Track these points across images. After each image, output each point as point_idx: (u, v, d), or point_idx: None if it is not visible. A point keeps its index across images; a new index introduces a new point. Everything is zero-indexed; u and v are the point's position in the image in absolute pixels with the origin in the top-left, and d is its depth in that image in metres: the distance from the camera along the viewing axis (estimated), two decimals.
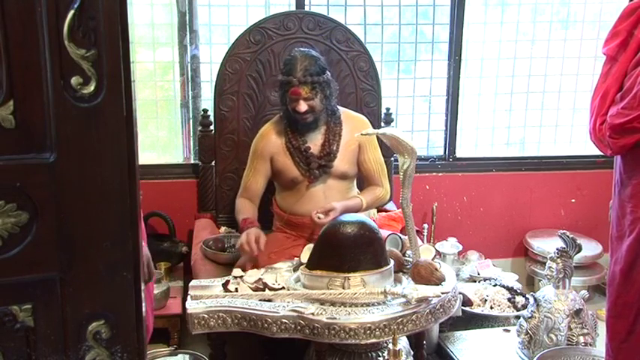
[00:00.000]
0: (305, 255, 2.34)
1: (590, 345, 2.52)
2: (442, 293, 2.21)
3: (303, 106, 2.57)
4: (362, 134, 2.41)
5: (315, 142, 2.70)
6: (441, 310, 2.20)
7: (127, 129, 1.02)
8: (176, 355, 2.57)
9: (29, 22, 0.93)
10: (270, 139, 2.73)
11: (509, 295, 3.07)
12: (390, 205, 3.20)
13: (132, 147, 1.04)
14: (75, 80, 0.97)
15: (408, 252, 2.41)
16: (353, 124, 2.76)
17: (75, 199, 1.01)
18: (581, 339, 2.51)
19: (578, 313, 2.53)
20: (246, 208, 2.72)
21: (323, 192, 2.70)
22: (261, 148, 2.74)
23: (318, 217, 2.51)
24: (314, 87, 2.57)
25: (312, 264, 2.23)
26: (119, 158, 1.03)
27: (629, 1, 2.02)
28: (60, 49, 0.95)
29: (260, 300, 2.18)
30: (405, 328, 2.10)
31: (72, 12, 0.93)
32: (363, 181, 2.82)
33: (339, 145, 2.70)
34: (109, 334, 1.07)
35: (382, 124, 3.21)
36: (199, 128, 3.15)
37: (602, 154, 2.06)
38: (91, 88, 0.98)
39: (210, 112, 3.12)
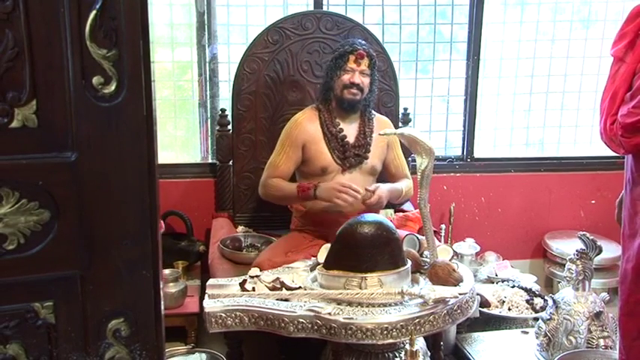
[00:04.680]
0: (322, 255, 2.34)
1: (611, 348, 2.49)
2: (460, 294, 2.20)
3: (357, 78, 2.66)
4: (380, 134, 2.43)
5: (349, 132, 2.76)
6: (459, 311, 2.19)
7: (147, 128, 1.03)
8: (193, 353, 2.58)
9: (52, 23, 0.94)
10: (304, 127, 2.74)
11: (528, 297, 3.04)
12: (408, 206, 3.19)
13: (151, 146, 1.04)
14: (96, 80, 0.98)
15: (426, 252, 2.40)
16: (383, 124, 2.85)
17: (96, 197, 1.02)
18: (602, 342, 2.48)
19: (598, 315, 2.50)
20: (286, 183, 2.71)
21: None
22: (295, 136, 2.73)
23: (367, 194, 2.54)
24: (372, 64, 2.71)
25: (330, 264, 2.23)
26: (139, 157, 1.03)
27: None
28: (82, 50, 0.96)
29: (277, 299, 2.18)
30: (423, 329, 2.09)
31: (94, 12, 0.94)
32: (389, 177, 2.85)
33: (372, 139, 2.77)
34: (128, 332, 1.08)
35: (400, 124, 3.20)
36: (217, 128, 3.16)
37: (621, 155, 2.06)
38: (112, 87, 0.99)
39: (228, 112, 3.14)
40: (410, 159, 3.15)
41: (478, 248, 3.39)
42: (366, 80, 2.70)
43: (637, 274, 1.96)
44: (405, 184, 2.80)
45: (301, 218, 2.81)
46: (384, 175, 2.85)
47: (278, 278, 2.28)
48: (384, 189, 2.62)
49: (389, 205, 3.13)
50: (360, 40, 2.80)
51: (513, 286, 3.13)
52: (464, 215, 3.59)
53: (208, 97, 3.40)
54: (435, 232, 2.56)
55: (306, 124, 2.75)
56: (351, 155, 2.71)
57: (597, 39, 3.66)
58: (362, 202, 2.55)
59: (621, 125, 1.89)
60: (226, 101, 3.31)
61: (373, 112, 2.86)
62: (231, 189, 3.17)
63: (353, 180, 2.69)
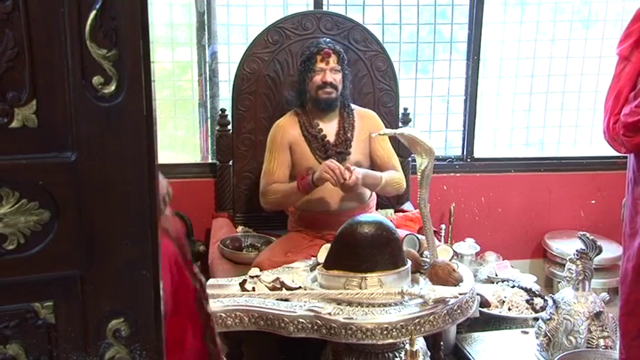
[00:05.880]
0: (322, 255, 2.34)
1: (611, 348, 2.49)
2: (460, 294, 2.20)
3: (329, 77, 2.67)
4: (379, 134, 2.43)
5: (329, 131, 2.76)
6: (459, 311, 2.19)
7: (147, 128, 1.02)
8: None
9: (52, 23, 0.94)
10: (286, 130, 2.76)
11: (528, 297, 3.04)
12: (408, 206, 3.19)
13: (152, 146, 1.04)
14: (96, 80, 0.98)
15: (426, 252, 2.40)
16: (365, 117, 2.84)
17: (96, 197, 1.02)
18: (602, 342, 2.48)
19: (598, 315, 2.50)
20: (284, 184, 2.71)
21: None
22: (280, 139, 2.75)
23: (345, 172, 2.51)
24: (340, 60, 2.71)
25: (329, 264, 2.23)
26: (139, 157, 1.03)
27: None
28: (82, 49, 0.96)
29: (277, 299, 2.18)
30: (423, 329, 2.09)
31: (94, 12, 0.94)
32: (377, 169, 2.80)
33: (353, 134, 2.76)
34: (128, 332, 1.08)
35: (400, 124, 3.20)
36: (217, 128, 3.16)
37: (623, 154, 2.06)
38: (112, 87, 0.99)
39: (228, 112, 3.14)
40: (410, 159, 3.15)
41: (478, 248, 3.39)
42: (338, 77, 2.71)
43: (637, 273, 1.96)
44: (388, 174, 2.74)
45: (296, 220, 2.81)
46: (373, 168, 2.83)
47: (278, 278, 2.28)
48: (359, 171, 2.58)
49: (389, 205, 3.13)
50: (324, 39, 2.81)
51: (513, 286, 3.13)
52: (464, 215, 3.59)
53: (208, 97, 3.40)
54: (435, 232, 2.56)
55: (288, 127, 2.77)
56: (332, 154, 2.71)
57: (597, 39, 3.66)
58: (337, 181, 2.53)
59: (623, 124, 1.90)
60: (226, 101, 3.31)
61: (352, 106, 2.85)
62: (231, 189, 3.17)
63: None
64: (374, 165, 2.82)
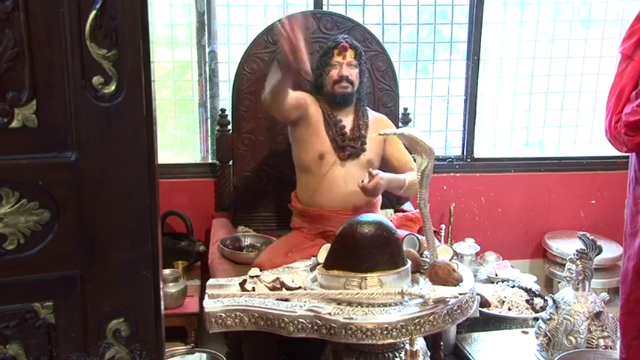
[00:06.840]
0: (322, 255, 2.34)
1: (611, 348, 2.49)
2: (460, 294, 2.20)
3: (345, 71, 2.67)
4: (380, 134, 2.42)
5: (345, 126, 2.75)
6: (459, 311, 2.19)
7: (147, 128, 1.03)
8: (193, 353, 2.58)
9: (52, 23, 0.94)
10: (313, 101, 2.76)
11: (528, 297, 3.04)
12: (408, 206, 3.19)
13: (151, 146, 1.04)
14: (96, 80, 0.98)
15: (426, 252, 2.40)
16: (378, 120, 2.85)
17: (96, 197, 1.02)
18: (602, 342, 2.48)
19: (598, 315, 2.50)
20: None
21: (344, 180, 2.69)
22: (304, 96, 2.72)
23: (362, 181, 2.51)
24: (357, 55, 2.71)
25: (330, 264, 2.23)
26: (139, 157, 1.04)
27: None
28: (82, 49, 0.96)
29: (277, 299, 2.18)
30: (423, 329, 2.09)
31: (94, 12, 0.94)
32: (394, 172, 2.79)
33: (367, 133, 2.76)
34: (128, 332, 1.08)
35: (400, 124, 3.20)
36: (217, 128, 3.16)
37: (623, 154, 2.06)
38: (112, 87, 0.99)
39: (228, 112, 3.13)
40: None
41: (478, 248, 3.39)
42: (354, 72, 2.71)
43: (637, 272, 1.96)
44: (411, 176, 2.71)
45: (299, 216, 2.81)
46: (389, 170, 2.82)
47: (278, 278, 2.28)
48: (383, 176, 2.57)
49: (389, 205, 3.13)
50: (342, 35, 2.83)
51: (513, 286, 3.13)
52: (464, 215, 3.59)
53: (208, 97, 3.40)
54: (435, 232, 2.56)
55: (315, 102, 2.76)
56: (347, 146, 2.71)
57: (597, 39, 3.66)
58: (359, 185, 2.52)
59: (625, 123, 1.90)
60: (226, 101, 3.31)
61: (367, 107, 2.86)
62: (231, 189, 3.17)
63: (349, 172, 2.70)
64: (390, 167, 2.82)
